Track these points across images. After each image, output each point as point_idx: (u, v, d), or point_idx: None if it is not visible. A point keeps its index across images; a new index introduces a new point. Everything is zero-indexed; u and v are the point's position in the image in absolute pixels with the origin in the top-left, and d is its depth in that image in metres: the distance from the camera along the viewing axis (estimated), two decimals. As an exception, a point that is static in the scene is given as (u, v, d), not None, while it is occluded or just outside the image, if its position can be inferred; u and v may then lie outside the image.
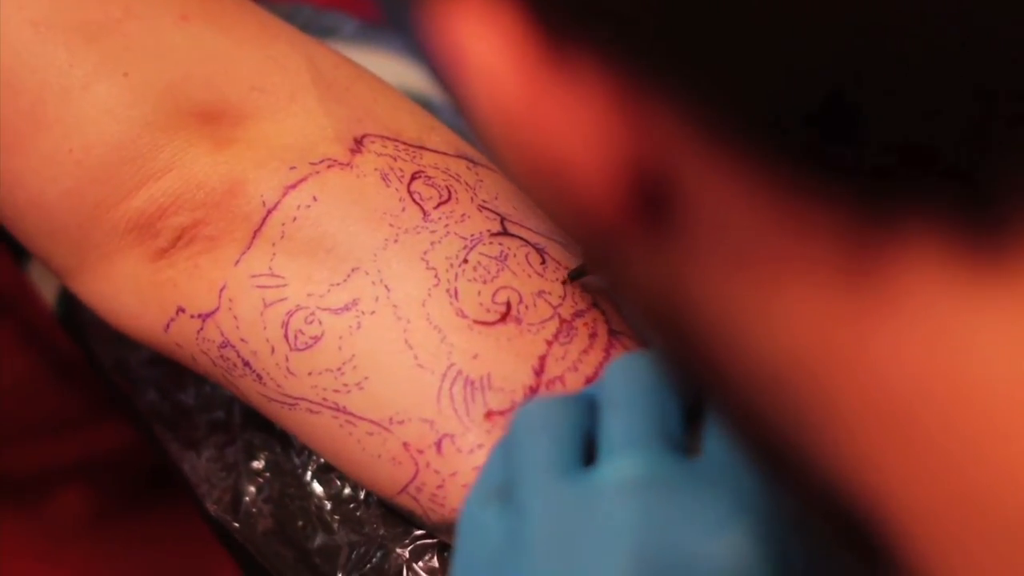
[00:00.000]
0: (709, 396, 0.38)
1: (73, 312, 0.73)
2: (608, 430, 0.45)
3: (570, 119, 0.29)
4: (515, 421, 0.46)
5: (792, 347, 0.30)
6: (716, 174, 0.28)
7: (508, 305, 0.55)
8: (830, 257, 0.28)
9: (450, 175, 0.58)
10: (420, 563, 0.60)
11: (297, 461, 0.64)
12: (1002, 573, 0.28)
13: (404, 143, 0.58)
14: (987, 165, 0.26)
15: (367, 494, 0.61)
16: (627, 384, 0.45)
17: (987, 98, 0.25)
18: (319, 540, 0.62)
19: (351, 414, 0.55)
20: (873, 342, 0.29)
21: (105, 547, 0.87)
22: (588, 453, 0.45)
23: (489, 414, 0.53)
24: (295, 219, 0.56)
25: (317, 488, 0.63)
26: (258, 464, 0.65)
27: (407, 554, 0.60)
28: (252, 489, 0.64)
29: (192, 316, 0.57)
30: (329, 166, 0.57)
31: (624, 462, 0.43)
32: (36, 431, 0.86)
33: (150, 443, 0.69)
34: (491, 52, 0.29)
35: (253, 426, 0.65)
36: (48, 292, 0.75)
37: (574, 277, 0.56)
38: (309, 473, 0.63)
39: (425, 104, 0.63)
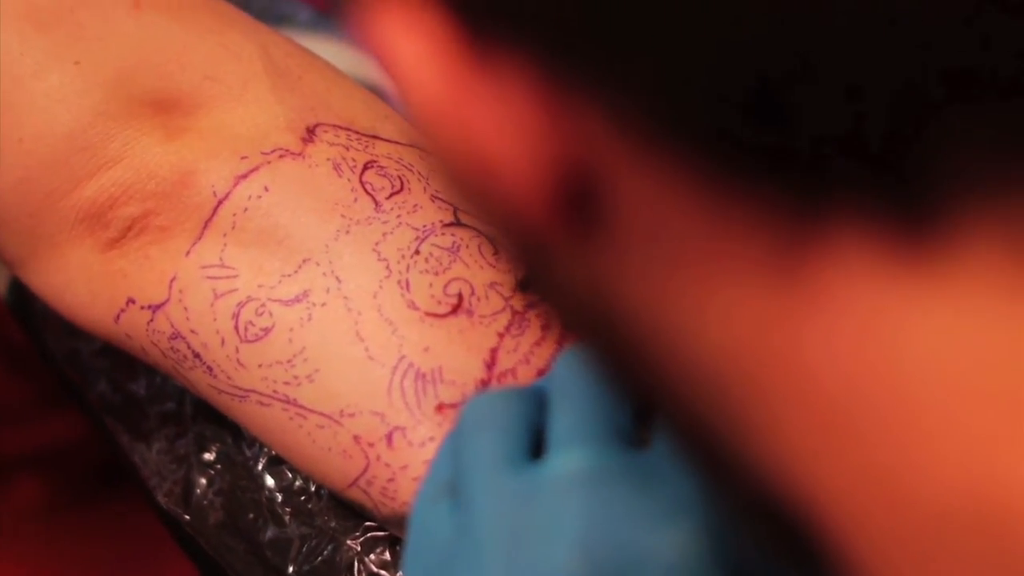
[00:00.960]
0: (645, 399, 0.38)
1: (24, 302, 0.73)
2: (556, 423, 0.45)
3: (495, 119, 0.29)
4: (463, 415, 0.46)
5: (725, 347, 0.30)
6: (643, 173, 0.29)
7: (460, 297, 0.55)
8: (759, 255, 0.28)
9: (403, 165, 0.58)
10: (371, 556, 0.60)
11: (248, 453, 0.64)
12: (929, 571, 0.29)
13: (357, 132, 0.59)
14: (913, 155, 0.26)
15: (318, 487, 0.62)
16: (576, 377, 0.46)
17: (912, 86, 0.26)
18: (270, 532, 0.62)
19: (301, 407, 0.55)
20: (804, 340, 0.29)
21: (57, 538, 0.87)
22: (538, 447, 0.46)
23: (440, 407, 0.54)
24: (246, 209, 0.56)
25: (268, 480, 0.63)
26: (209, 456, 0.65)
27: (358, 547, 0.60)
28: (203, 481, 0.64)
29: (142, 307, 0.57)
30: (281, 156, 0.57)
31: (571, 455, 0.44)
32: None
33: (101, 434, 0.69)
34: (416, 53, 0.29)
35: (204, 418, 0.65)
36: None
37: (523, 288, 0.56)
38: (260, 465, 0.64)
39: (379, 93, 0.63)
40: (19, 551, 0.86)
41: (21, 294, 0.73)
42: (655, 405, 0.37)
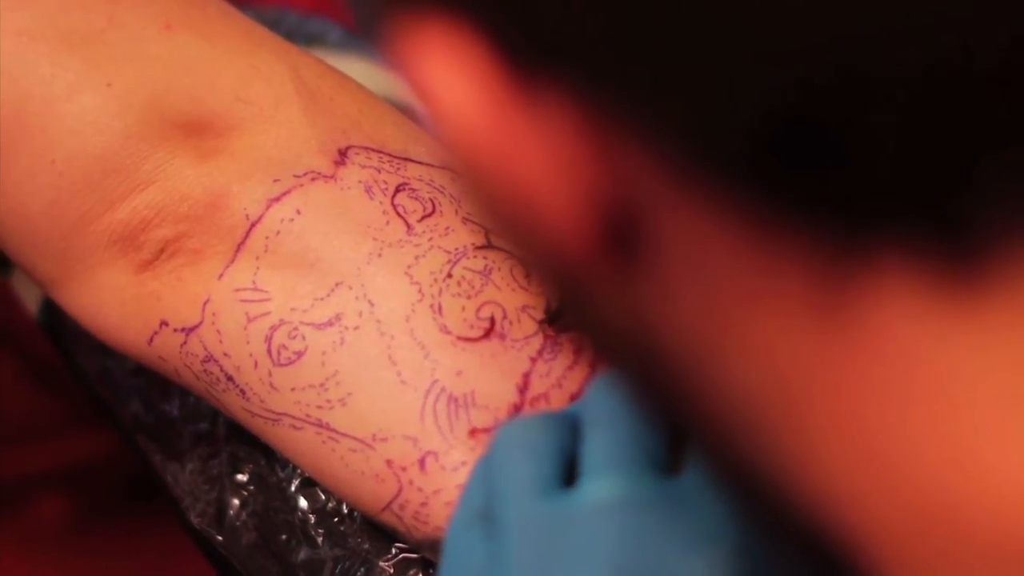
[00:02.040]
0: (680, 427, 0.39)
1: (56, 321, 0.74)
2: (589, 450, 0.46)
3: (537, 154, 0.30)
4: (496, 441, 0.47)
5: (766, 381, 0.31)
6: (685, 209, 0.29)
7: (492, 321, 0.56)
8: (802, 292, 0.29)
9: (435, 187, 0.59)
10: (405, 577, 0.61)
11: (282, 474, 0.65)
12: None
13: (389, 154, 0.60)
14: (959, 192, 0.27)
15: (351, 508, 0.63)
16: (609, 402, 0.47)
17: (958, 125, 0.26)
18: (303, 554, 0.63)
19: (334, 430, 0.56)
20: (847, 376, 0.29)
21: (85, 554, 0.88)
22: (571, 473, 0.47)
23: (473, 431, 0.55)
24: (278, 233, 0.57)
25: (301, 502, 0.64)
26: (242, 477, 0.66)
27: (391, 569, 0.61)
28: (236, 502, 0.65)
29: (175, 330, 0.58)
30: (313, 179, 0.58)
31: (604, 482, 0.44)
32: (16, 437, 0.88)
33: (133, 452, 0.70)
34: (457, 86, 0.30)
35: (237, 438, 0.66)
36: (31, 300, 0.77)
37: (553, 320, 0.57)
38: (293, 486, 0.64)
39: (410, 113, 0.64)
40: (49, 566, 0.87)
41: (54, 313, 0.74)
42: (690, 434, 0.38)
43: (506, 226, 0.34)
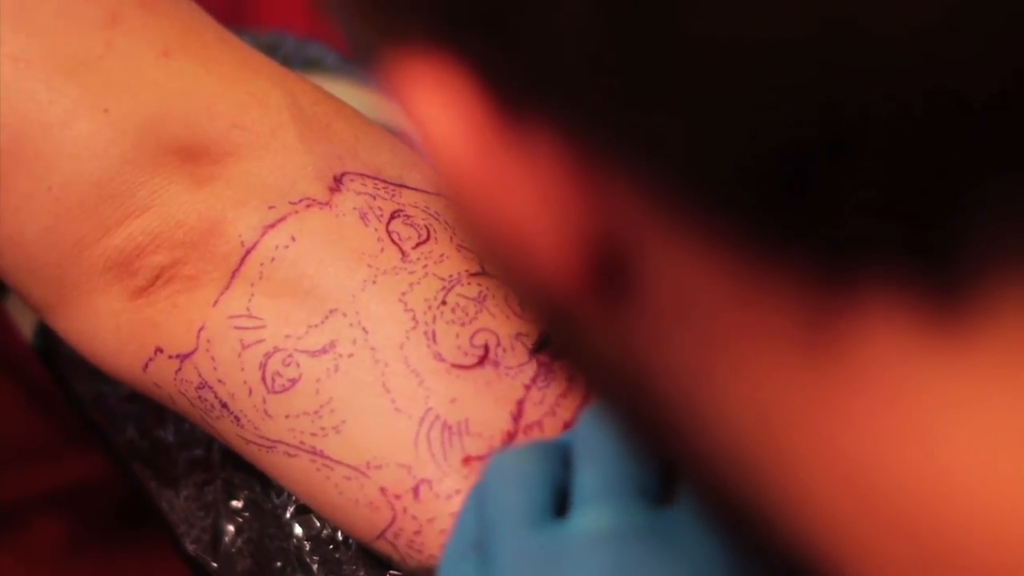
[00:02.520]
0: (670, 461, 0.39)
1: (51, 346, 0.75)
2: (580, 480, 0.46)
3: (525, 191, 0.30)
4: (488, 471, 0.48)
5: (755, 416, 0.31)
6: (674, 245, 0.30)
7: (486, 348, 0.57)
8: (789, 328, 0.29)
9: (429, 214, 0.60)
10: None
11: (277, 501, 0.65)
12: None
13: (384, 181, 0.60)
14: (945, 226, 0.27)
15: (346, 536, 0.63)
16: (600, 433, 0.47)
17: (945, 159, 0.26)
18: (298, 581, 0.63)
19: (328, 458, 0.57)
20: (835, 410, 0.30)
21: (84, 575, 0.89)
22: (562, 503, 0.47)
23: (467, 459, 0.55)
24: (273, 259, 0.58)
25: (297, 528, 0.65)
26: (237, 503, 0.66)
27: (386, 596, 0.62)
28: (231, 528, 0.66)
29: (170, 356, 0.59)
30: (308, 205, 0.59)
31: (594, 514, 0.45)
32: (11, 460, 0.88)
33: (123, 476, 0.71)
34: (447, 122, 0.31)
35: (232, 465, 0.67)
36: (26, 325, 0.77)
37: (538, 349, 0.58)
38: (289, 513, 0.65)
39: (407, 139, 0.65)
40: (44, 589, 0.88)
41: (48, 339, 0.75)
42: (680, 467, 0.38)
43: (496, 260, 0.35)
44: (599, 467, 0.46)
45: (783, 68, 0.26)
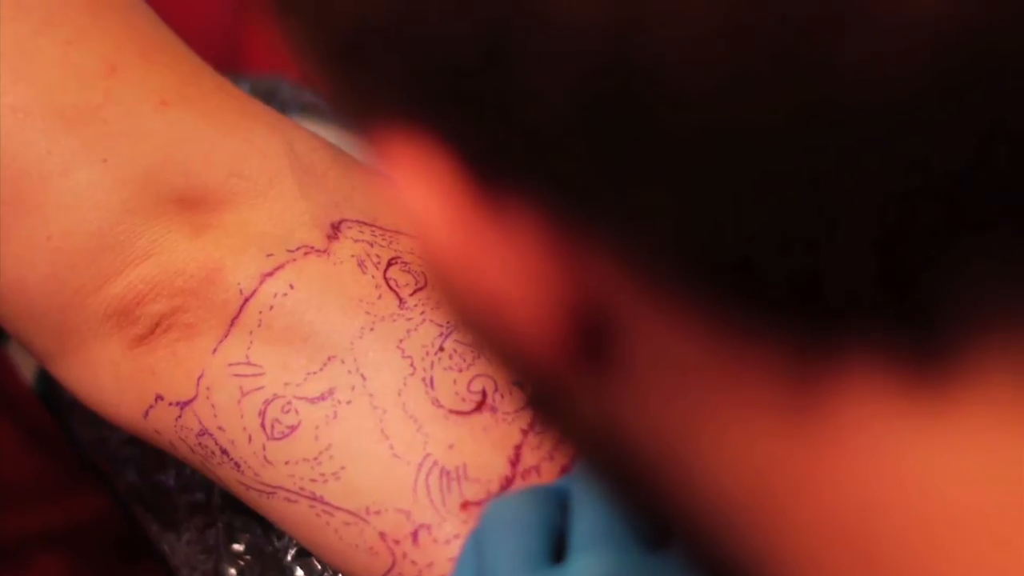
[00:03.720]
0: (656, 521, 0.40)
1: (52, 390, 0.77)
2: (577, 526, 0.48)
3: (505, 265, 0.32)
4: (485, 517, 0.49)
5: (740, 480, 0.32)
6: (653, 315, 0.31)
7: (484, 393, 0.59)
8: (772, 394, 0.30)
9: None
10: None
11: (278, 544, 0.67)
12: None
13: (381, 228, 0.62)
14: (923, 289, 0.28)
15: (347, 579, 0.65)
16: (590, 481, 0.49)
17: (920, 223, 0.28)
18: (300, 624, 0.65)
19: (328, 504, 0.58)
20: (819, 474, 0.31)
21: None
22: (560, 548, 0.49)
23: (465, 504, 0.57)
24: (272, 307, 0.60)
25: (298, 572, 0.66)
26: (239, 547, 0.68)
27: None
28: (233, 572, 0.67)
29: (170, 404, 0.61)
30: (306, 253, 0.61)
31: (590, 560, 0.46)
32: (11, 500, 0.89)
33: (128, 521, 0.72)
34: (426, 198, 0.32)
35: (233, 508, 0.68)
36: (27, 368, 0.79)
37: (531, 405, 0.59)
38: (290, 556, 0.66)
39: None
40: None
41: (49, 382, 0.76)
42: (666, 525, 0.40)
43: (476, 331, 0.36)
44: (594, 513, 0.48)
45: (759, 152, 0.28)
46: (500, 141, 0.30)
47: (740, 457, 0.32)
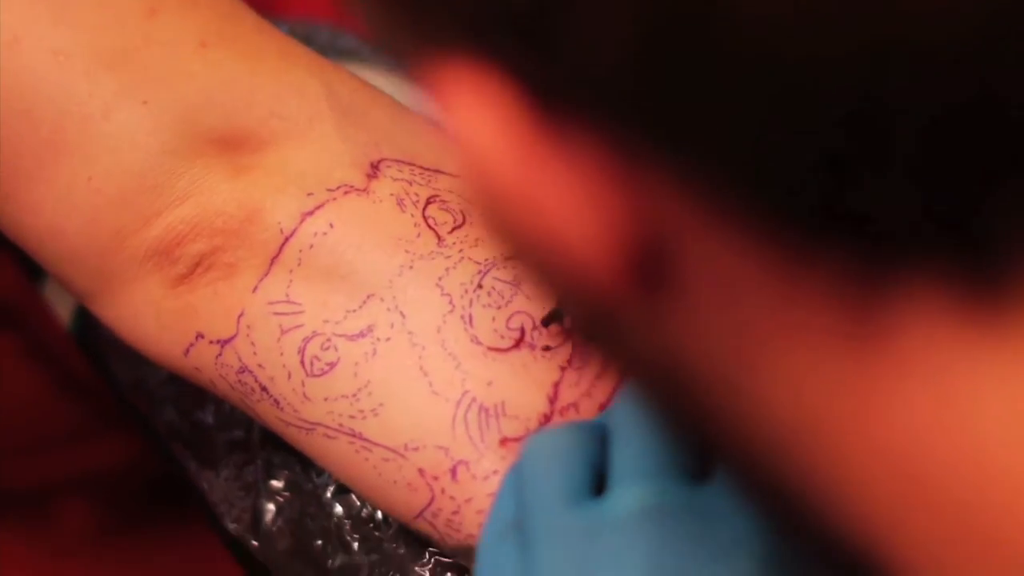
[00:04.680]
0: (706, 448, 0.42)
1: (89, 330, 0.78)
2: (617, 460, 0.50)
3: (564, 191, 0.32)
4: (525, 452, 0.51)
5: (797, 406, 0.33)
6: (715, 239, 0.31)
7: (522, 331, 0.60)
8: (831, 321, 0.31)
9: (465, 198, 0.63)
10: (439, 583, 0.65)
11: (317, 481, 0.69)
12: None
13: (420, 167, 0.64)
14: (985, 216, 0.29)
15: (385, 514, 0.67)
16: (636, 413, 0.50)
17: (982, 149, 0.28)
18: (339, 560, 0.67)
19: (367, 440, 0.61)
20: (878, 403, 0.31)
21: (107, 561, 0.91)
22: (599, 483, 0.51)
23: (503, 441, 0.59)
24: (312, 246, 0.61)
25: (337, 508, 0.68)
26: (277, 483, 0.70)
27: (426, 574, 0.65)
28: (272, 508, 0.69)
29: (211, 342, 0.63)
30: (346, 192, 0.62)
31: (632, 492, 0.48)
32: (38, 445, 0.90)
33: (166, 460, 0.74)
34: (485, 125, 0.32)
35: (272, 445, 0.70)
36: (63, 310, 0.81)
37: (548, 322, 0.61)
38: (329, 492, 0.68)
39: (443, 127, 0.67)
40: (72, 574, 0.90)
41: (86, 322, 0.78)
42: (717, 453, 0.41)
43: (531, 262, 0.37)
44: (635, 446, 0.50)
45: (823, 80, 0.28)
46: (564, 70, 0.31)
47: (795, 383, 0.33)
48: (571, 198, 0.32)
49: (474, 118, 0.32)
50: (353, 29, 0.82)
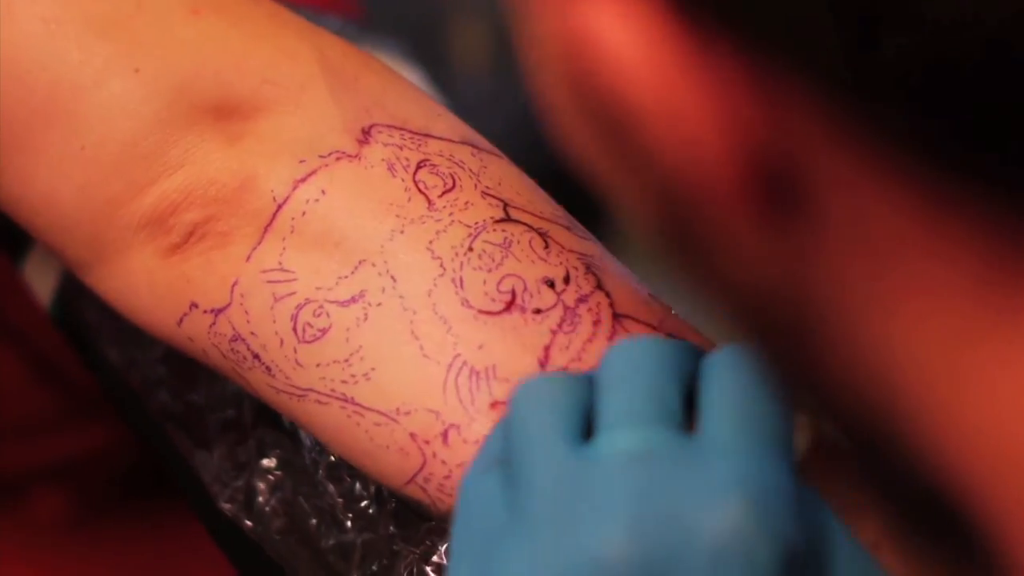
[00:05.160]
0: (800, 384, 0.41)
1: (72, 314, 0.79)
2: (607, 406, 0.52)
3: (704, 101, 0.32)
4: (517, 394, 0.53)
5: (919, 352, 0.33)
6: (853, 170, 0.31)
7: (513, 293, 0.62)
8: (967, 272, 0.30)
9: (454, 162, 0.65)
10: (433, 560, 0.65)
11: (308, 459, 0.70)
12: None
13: (410, 131, 0.66)
14: None
15: (379, 492, 0.69)
16: (625, 365, 0.53)
17: None
18: (333, 539, 0.67)
19: (359, 404, 0.62)
20: (1001, 364, 0.31)
21: (83, 550, 0.92)
22: (588, 430, 0.52)
23: (494, 404, 0.61)
24: (304, 213, 0.63)
25: (329, 487, 0.69)
26: (270, 462, 0.71)
27: (419, 552, 0.66)
28: (264, 487, 0.70)
29: (205, 311, 0.64)
30: (338, 158, 0.64)
31: (622, 435, 0.50)
32: (17, 432, 0.91)
33: (156, 442, 0.75)
34: (624, 31, 0.32)
35: (264, 423, 0.72)
36: (44, 292, 0.81)
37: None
38: (321, 471, 0.69)
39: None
40: (51, 560, 0.91)
41: (68, 306, 0.79)
42: (811, 390, 0.41)
43: (638, 173, 0.36)
44: (624, 394, 0.52)
45: (984, 19, 0.28)
46: None
47: (922, 325, 0.32)
48: (709, 107, 0.32)
49: (611, 17, 0.32)
50: (334, 12, 0.83)
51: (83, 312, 0.77)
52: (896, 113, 0.30)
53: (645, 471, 0.48)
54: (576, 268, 0.63)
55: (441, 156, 0.65)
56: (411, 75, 0.80)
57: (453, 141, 0.66)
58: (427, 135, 0.66)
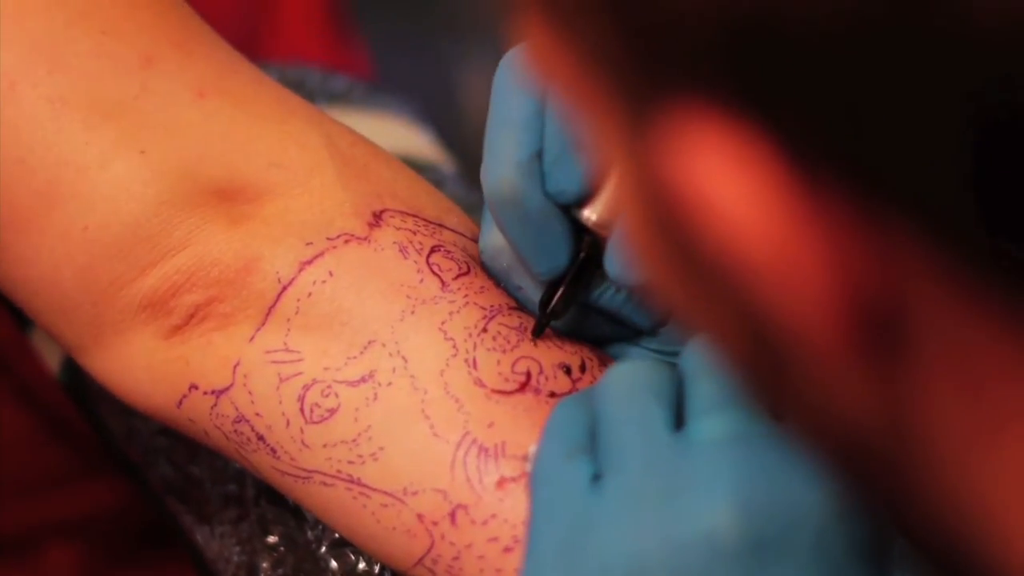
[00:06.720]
0: (891, 517, 0.43)
1: (78, 380, 0.81)
2: (697, 394, 0.53)
3: (816, 255, 0.33)
4: (608, 379, 0.54)
5: (1005, 489, 0.34)
6: (954, 306, 0.32)
7: (528, 375, 0.63)
8: None
9: (469, 253, 0.66)
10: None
11: (311, 535, 0.71)
12: None
13: (424, 219, 0.66)
14: None
15: (382, 568, 0.69)
16: (708, 356, 0.53)
17: None
18: (335, 615, 0.69)
19: (365, 486, 0.63)
20: None
21: None
22: (678, 419, 0.53)
23: (502, 482, 0.61)
24: (310, 295, 0.64)
25: (332, 563, 0.70)
26: (272, 539, 0.72)
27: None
28: (267, 564, 0.71)
29: (205, 392, 0.65)
30: (346, 241, 0.65)
31: (719, 419, 0.51)
32: (27, 488, 0.92)
33: (157, 510, 0.76)
34: (731, 181, 0.33)
35: (266, 499, 0.73)
36: (52, 358, 0.83)
37: (539, 333, 0.63)
38: (324, 547, 0.71)
39: (432, 171, 0.70)
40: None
41: (76, 372, 0.80)
42: (899, 527, 0.42)
43: (732, 317, 0.37)
44: (713, 382, 0.52)
45: None
46: (830, 129, 0.32)
47: (1017, 467, 0.33)
48: (820, 259, 0.33)
49: (720, 171, 0.33)
50: (344, 71, 0.85)
51: (89, 380, 0.78)
52: (1009, 268, 0.31)
53: (746, 452, 0.50)
54: (591, 359, 0.64)
55: (455, 245, 0.65)
56: (422, 136, 0.82)
57: (466, 235, 0.67)
58: (440, 225, 0.66)
